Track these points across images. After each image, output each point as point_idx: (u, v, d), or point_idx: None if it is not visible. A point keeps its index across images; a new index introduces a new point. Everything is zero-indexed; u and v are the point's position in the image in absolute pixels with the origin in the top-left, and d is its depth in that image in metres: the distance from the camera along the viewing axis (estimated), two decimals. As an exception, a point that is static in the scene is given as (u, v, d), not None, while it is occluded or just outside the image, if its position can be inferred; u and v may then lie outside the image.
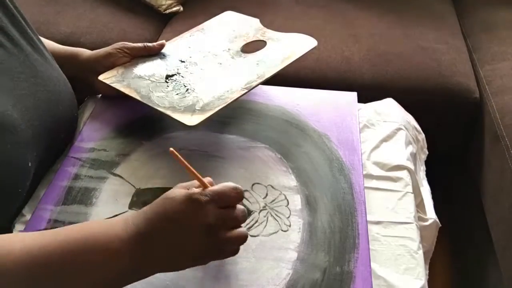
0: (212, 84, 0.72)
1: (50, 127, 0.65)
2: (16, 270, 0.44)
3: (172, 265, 0.50)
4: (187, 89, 0.70)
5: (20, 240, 0.47)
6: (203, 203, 0.48)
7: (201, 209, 0.48)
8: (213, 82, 0.72)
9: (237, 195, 0.52)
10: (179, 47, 0.82)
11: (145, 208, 0.50)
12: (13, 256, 0.45)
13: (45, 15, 1.42)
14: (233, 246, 0.53)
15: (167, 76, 0.73)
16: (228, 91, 0.70)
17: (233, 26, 0.86)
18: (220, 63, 0.76)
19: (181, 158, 0.52)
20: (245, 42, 0.81)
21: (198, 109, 0.67)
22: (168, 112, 0.67)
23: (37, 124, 0.62)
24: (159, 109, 0.68)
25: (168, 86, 0.72)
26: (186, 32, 0.86)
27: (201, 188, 0.51)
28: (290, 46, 0.79)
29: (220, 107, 0.67)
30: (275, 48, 0.79)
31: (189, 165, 0.52)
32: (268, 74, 0.73)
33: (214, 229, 0.49)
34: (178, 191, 0.50)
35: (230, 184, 0.52)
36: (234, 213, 0.51)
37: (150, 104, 0.69)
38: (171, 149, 0.52)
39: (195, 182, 0.53)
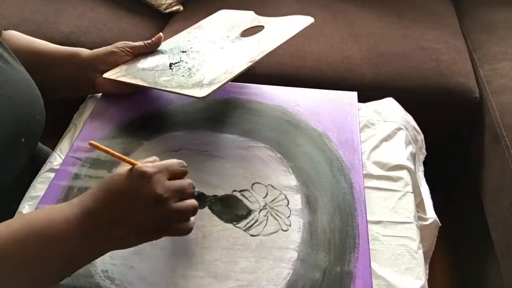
0: (217, 63, 0.72)
1: (5, 130, 0.62)
2: None
3: (123, 241, 0.50)
4: (192, 71, 0.71)
5: None
6: (149, 174, 0.48)
7: (148, 181, 0.48)
8: (217, 61, 0.73)
9: (183, 169, 0.53)
10: (179, 42, 0.82)
11: (91, 189, 0.50)
12: None
13: (45, 15, 1.42)
14: (183, 217, 0.52)
15: (171, 64, 0.73)
16: (233, 66, 0.71)
17: (230, 18, 0.86)
18: (222, 47, 0.76)
19: (104, 148, 0.51)
20: (243, 29, 0.82)
21: (206, 83, 0.67)
22: (177, 90, 0.67)
23: None
24: (167, 89, 0.68)
25: (173, 71, 0.73)
26: (184, 31, 0.87)
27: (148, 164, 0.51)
28: (288, 24, 0.81)
29: (228, 79, 0.67)
30: (274, 28, 0.81)
31: (116, 153, 0.52)
32: (270, 48, 0.73)
33: (161, 200, 0.49)
34: (124, 168, 0.50)
35: (174, 159, 0.53)
36: (181, 183, 0.51)
37: (158, 88, 0.70)
38: (90, 142, 0.51)
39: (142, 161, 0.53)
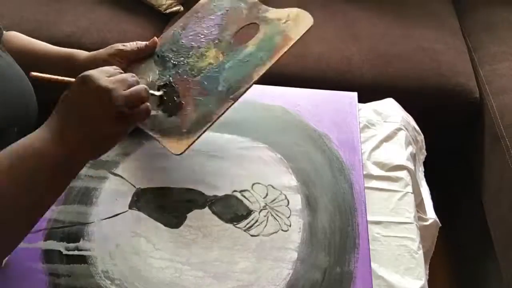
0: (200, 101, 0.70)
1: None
2: None
3: (93, 145, 0.53)
4: (176, 102, 0.69)
5: None
6: (88, 74, 0.52)
7: (90, 79, 0.52)
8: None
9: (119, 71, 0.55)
10: (172, 44, 0.77)
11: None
12: None
13: (45, 15, 1.42)
14: (135, 100, 0.54)
15: (159, 88, 0.71)
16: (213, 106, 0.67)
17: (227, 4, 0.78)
18: (210, 64, 0.72)
19: (45, 75, 0.56)
20: (237, 28, 0.75)
21: (185, 131, 0.65)
22: (157, 137, 0.65)
23: None
24: (149, 132, 0.66)
25: (159, 104, 0.70)
26: (179, 22, 0.79)
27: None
28: (283, 31, 0.72)
29: (204, 129, 0.65)
30: (268, 35, 0.73)
31: (55, 76, 0.56)
32: (255, 77, 0.69)
33: (107, 90, 0.51)
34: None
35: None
36: (122, 75, 0.54)
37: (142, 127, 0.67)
38: (32, 73, 0.56)
39: None
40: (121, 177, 0.69)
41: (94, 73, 0.53)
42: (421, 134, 0.88)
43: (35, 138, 0.51)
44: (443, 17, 1.49)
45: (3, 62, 0.66)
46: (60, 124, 0.52)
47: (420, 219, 0.74)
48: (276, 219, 0.64)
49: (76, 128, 0.51)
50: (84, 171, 0.69)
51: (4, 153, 0.51)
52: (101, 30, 1.39)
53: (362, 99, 0.85)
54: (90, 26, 1.40)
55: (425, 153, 0.91)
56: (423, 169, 0.88)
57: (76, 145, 0.51)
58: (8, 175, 0.49)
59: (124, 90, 0.53)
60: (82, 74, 0.53)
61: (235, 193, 0.67)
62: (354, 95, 0.83)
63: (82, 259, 0.60)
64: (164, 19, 1.53)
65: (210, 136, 0.75)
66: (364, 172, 0.71)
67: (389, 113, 0.82)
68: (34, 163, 0.50)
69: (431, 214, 0.77)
